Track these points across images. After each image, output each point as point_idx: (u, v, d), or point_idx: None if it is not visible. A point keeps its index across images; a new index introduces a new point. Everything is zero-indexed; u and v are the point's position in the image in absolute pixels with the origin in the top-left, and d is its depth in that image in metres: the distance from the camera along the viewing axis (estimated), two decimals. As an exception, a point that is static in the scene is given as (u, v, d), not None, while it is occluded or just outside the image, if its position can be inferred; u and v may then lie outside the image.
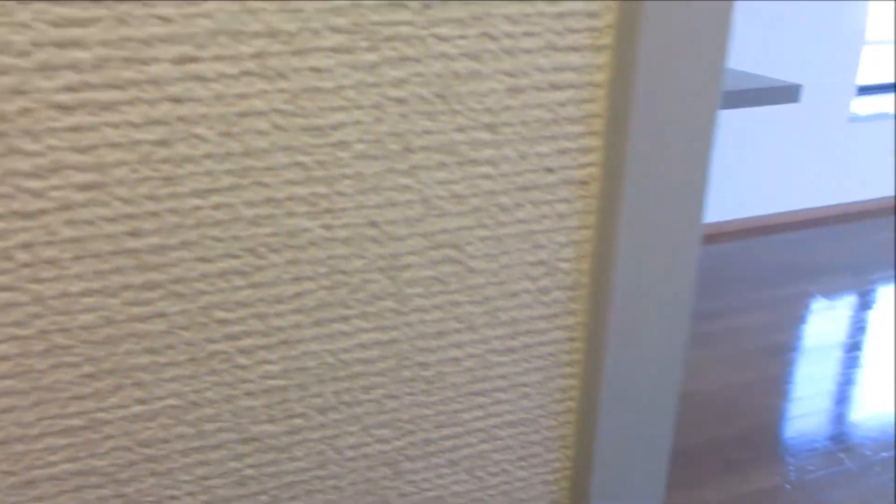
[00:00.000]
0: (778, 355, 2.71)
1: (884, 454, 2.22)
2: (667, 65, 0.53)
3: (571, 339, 0.61)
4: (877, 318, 2.99)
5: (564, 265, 0.59)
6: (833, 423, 2.36)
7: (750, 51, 3.38)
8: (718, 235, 3.69)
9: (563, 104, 0.55)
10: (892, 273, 3.34)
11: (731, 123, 3.51)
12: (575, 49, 0.53)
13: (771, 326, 2.90)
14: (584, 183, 0.57)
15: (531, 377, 0.61)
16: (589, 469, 0.62)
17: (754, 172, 3.66)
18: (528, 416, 0.62)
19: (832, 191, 3.86)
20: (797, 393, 2.51)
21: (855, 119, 3.72)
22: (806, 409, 2.43)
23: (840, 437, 2.29)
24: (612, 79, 0.55)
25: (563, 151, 0.56)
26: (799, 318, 2.98)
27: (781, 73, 3.50)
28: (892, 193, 4.04)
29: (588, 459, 0.62)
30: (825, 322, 2.96)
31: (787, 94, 1.19)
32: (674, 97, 0.55)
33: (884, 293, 3.18)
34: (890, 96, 4.06)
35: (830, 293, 3.17)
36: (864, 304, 3.10)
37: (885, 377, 2.59)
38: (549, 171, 0.57)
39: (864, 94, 3.97)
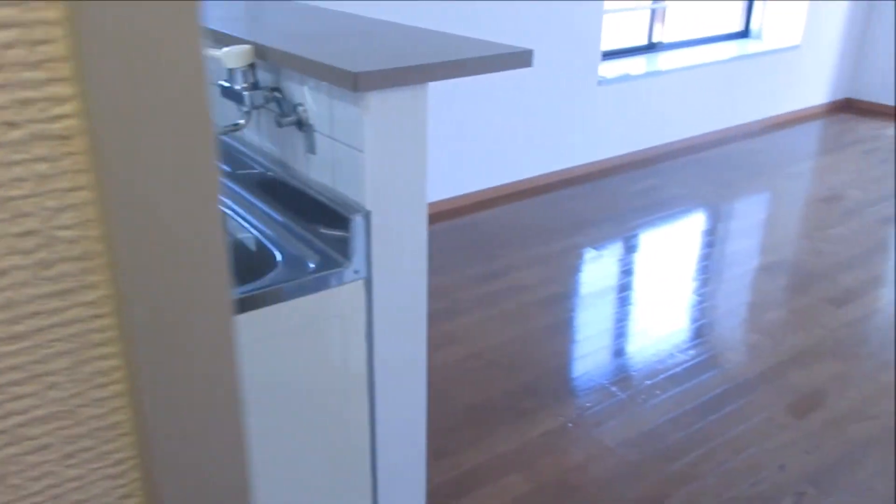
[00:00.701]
0: (556, 305, 2.87)
1: (648, 382, 2.41)
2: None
3: (98, 316, 0.54)
4: (640, 260, 3.26)
5: (65, 233, 0.51)
6: (607, 360, 2.53)
7: (500, 25, 3.52)
8: (490, 201, 3.84)
9: (8, 46, 0.47)
10: (650, 219, 3.65)
11: (490, 93, 3.64)
12: (5, -24, 0.46)
13: (548, 279, 3.07)
14: (64, 138, 0.49)
15: (55, 364, 0.53)
16: (153, 453, 0.56)
17: (517, 138, 3.84)
18: (64, 407, 0.54)
19: (588, 149, 4.14)
20: (575, 337, 2.67)
21: (603, 82, 4.00)
22: (584, 351, 2.59)
23: (613, 372, 2.46)
24: (69, 15, 0.48)
25: (26, 102, 0.48)
26: (573, 269, 3.17)
27: (534, 44, 3.68)
28: (639, 148, 4.41)
29: (149, 443, 0.56)
30: (596, 269, 3.17)
31: (521, 59, 1.22)
32: (138, 33, 0.48)
33: (644, 238, 3.47)
34: (629, 60, 4.42)
35: (598, 243, 3.40)
36: (629, 249, 3.36)
37: (651, 313, 2.83)
38: (12, 125, 0.48)
39: (607, 58, 4.29)
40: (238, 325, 1.18)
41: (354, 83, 1.12)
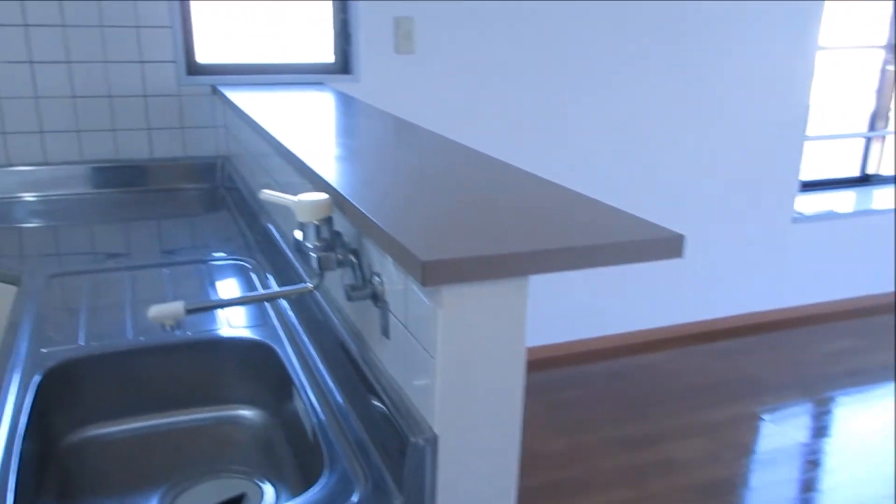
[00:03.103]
0: (716, 494, 2.33)
1: None
2: None
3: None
4: (828, 446, 2.62)
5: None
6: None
7: (678, 144, 3.14)
8: (649, 345, 3.36)
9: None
10: (844, 391, 2.99)
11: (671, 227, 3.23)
12: None
13: (709, 457, 2.53)
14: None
15: None
16: None
17: (688, 274, 3.37)
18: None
19: (774, 295, 3.56)
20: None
21: (799, 219, 3.46)
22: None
23: None
24: None
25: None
26: (741, 447, 2.61)
27: (721, 170, 3.25)
28: (839, 298, 3.74)
29: None
30: (772, 450, 2.59)
31: (665, 249, 0.93)
32: None
33: (835, 415, 2.82)
34: (835, 193, 3.82)
35: (779, 412, 2.81)
36: (815, 428, 2.73)
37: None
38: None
39: (808, 190, 3.73)
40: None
41: (423, 275, 0.81)
